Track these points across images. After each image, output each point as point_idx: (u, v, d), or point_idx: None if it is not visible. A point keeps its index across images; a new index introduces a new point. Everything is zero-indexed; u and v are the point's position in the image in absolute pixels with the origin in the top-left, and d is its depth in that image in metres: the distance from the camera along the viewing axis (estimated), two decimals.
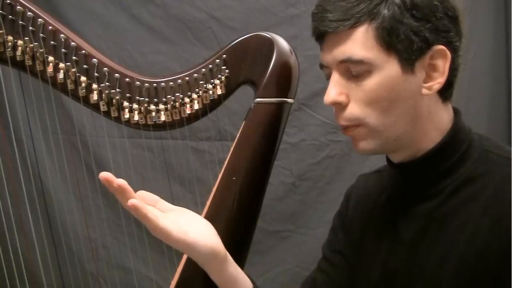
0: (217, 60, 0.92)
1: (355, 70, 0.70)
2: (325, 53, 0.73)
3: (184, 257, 0.88)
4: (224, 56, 0.92)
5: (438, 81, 0.71)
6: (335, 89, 0.72)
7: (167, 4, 1.85)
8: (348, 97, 0.72)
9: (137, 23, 1.86)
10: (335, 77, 0.72)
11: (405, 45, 0.68)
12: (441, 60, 0.71)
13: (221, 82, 0.92)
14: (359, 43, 0.69)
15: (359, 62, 0.69)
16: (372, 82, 0.70)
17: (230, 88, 0.93)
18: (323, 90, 0.72)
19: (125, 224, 1.80)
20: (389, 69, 0.69)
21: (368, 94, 0.70)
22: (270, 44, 0.92)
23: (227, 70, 0.92)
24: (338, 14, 0.69)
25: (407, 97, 0.71)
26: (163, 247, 1.60)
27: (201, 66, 0.93)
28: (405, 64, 0.69)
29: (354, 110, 0.72)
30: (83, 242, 1.71)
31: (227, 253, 0.77)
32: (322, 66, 0.76)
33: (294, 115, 1.84)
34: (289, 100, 0.93)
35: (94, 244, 1.80)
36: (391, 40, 0.68)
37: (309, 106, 1.86)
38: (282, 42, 0.93)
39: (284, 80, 0.92)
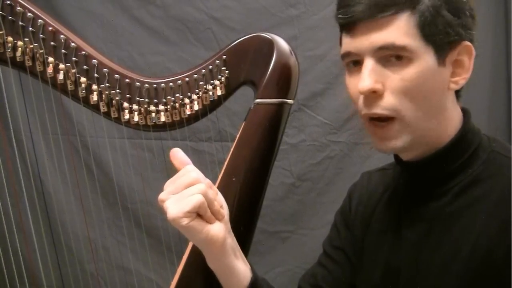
0: (217, 61, 0.92)
1: (395, 57, 0.68)
2: (357, 40, 0.69)
3: (184, 257, 0.88)
4: (224, 56, 0.92)
5: (464, 76, 0.72)
6: (372, 76, 0.68)
7: (167, 4, 1.85)
8: (384, 85, 0.69)
9: (137, 23, 1.86)
10: (370, 64, 0.69)
11: (441, 37, 0.68)
12: (467, 57, 0.71)
13: (221, 82, 0.92)
14: (402, 30, 0.67)
15: (402, 48, 0.67)
16: (411, 71, 0.68)
17: (230, 89, 0.93)
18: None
19: (125, 225, 1.80)
20: (426, 60, 0.68)
21: (406, 83, 0.68)
22: (270, 45, 0.92)
23: (227, 71, 0.92)
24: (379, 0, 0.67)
25: (437, 91, 0.71)
26: (163, 248, 1.61)
27: (201, 66, 0.93)
28: (439, 56, 0.69)
29: (390, 99, 0.69)
30: (83, 243, 1.71)
31: (226, 245, 0.76)
32: (347, 54, 0.72)
33: (294, 115, 1.84)
34: (289, 100, 0.93)
35: (94, 244, 1.80)
36: (430, 30, 0.67)
37: (309, 106, 1.86)
38: (282, 43, 0.93)
39: (284, 80, 0.92)
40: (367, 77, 0.68)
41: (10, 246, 1.08)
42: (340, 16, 0.71)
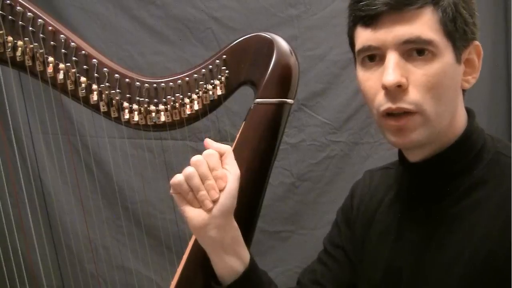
0: (217, 61, 0.92)
1: (420, 51, 0.67)
2: (380, 33, 0.68)
3: (184, 257, 0.88)
4: (224, 56, 0.92)
5: (474, 76, 0.73)
6: (397, 70, 0.67)
7: (167, 4, 1.85)
8: (407, 80, 0.68)
9: (137, 23, 1.86)
10: (395, 58, 0.67)
11: (460, 34, 0.68)
12: (476, 56, 0.72)
13: (221, 82, 0.92)
14: (427, 24, 0.67)
15: (428, 43, 0.67)
16: (435, 66, 0.68)
17: (230, 89, 0.93)
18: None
19: (125, 225, 1.80)
20: (448, 56, 0.68)
21: (430, 78, 0.67)
22: (270, 45, 0.92)
23: (227, 71, 0.92)
24: None
25: (454, 88, 0.71)
26: (163, 248, 1.61)
27: (201, 66, 0.93)
28: (456, 54, 0.69)
29: (415, 94, 0.68)
30: (83, 243, 1.71)
31: (205, 235, 0.78)
32: (367, 48, 0.70)
33: (294, 115, 1.84)
34: (289, 100, 0.93)
35: (94, 244, 1.80)
36: (451, 27, 0.68)
37: (309, 106, 1.86)
38: (282, 43, 0.93)
39: (284, 80, 0.92)
40: (393, 71, 0.67)
41: (10, 246, 1.08)
42: (362, 8, 0.69)
